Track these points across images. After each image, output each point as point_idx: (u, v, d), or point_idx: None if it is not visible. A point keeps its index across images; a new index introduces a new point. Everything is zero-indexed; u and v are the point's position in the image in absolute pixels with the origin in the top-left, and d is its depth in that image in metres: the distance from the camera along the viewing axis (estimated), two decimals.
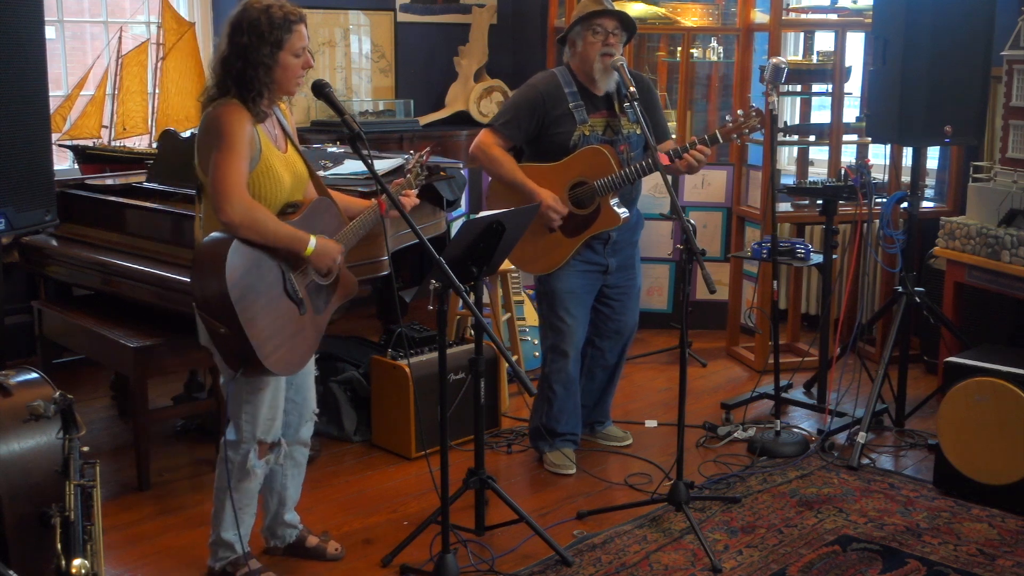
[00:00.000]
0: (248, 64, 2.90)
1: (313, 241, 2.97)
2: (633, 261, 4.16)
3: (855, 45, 5.55)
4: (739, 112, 3.81)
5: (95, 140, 5.46)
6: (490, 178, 4.08)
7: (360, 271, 3.88)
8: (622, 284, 4.12)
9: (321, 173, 4.34)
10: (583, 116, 3.90)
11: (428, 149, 3.45)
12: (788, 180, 5.27)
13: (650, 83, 4.12)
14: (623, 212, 3.93)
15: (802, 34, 5.92)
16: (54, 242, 4.51)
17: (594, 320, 4.14)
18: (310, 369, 3.31)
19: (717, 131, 3.81)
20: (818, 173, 5.71)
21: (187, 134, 4.91)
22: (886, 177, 5.04)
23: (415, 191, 3.31)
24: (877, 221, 4.46)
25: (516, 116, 3.92)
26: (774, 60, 4.13)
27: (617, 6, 3.97)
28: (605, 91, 3.94)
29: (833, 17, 5.35)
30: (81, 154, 5.40)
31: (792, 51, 6.13)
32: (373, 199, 3.24)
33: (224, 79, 2.93)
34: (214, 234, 2.91)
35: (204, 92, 3.02)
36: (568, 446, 4.15)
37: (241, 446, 3.09)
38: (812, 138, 5.44)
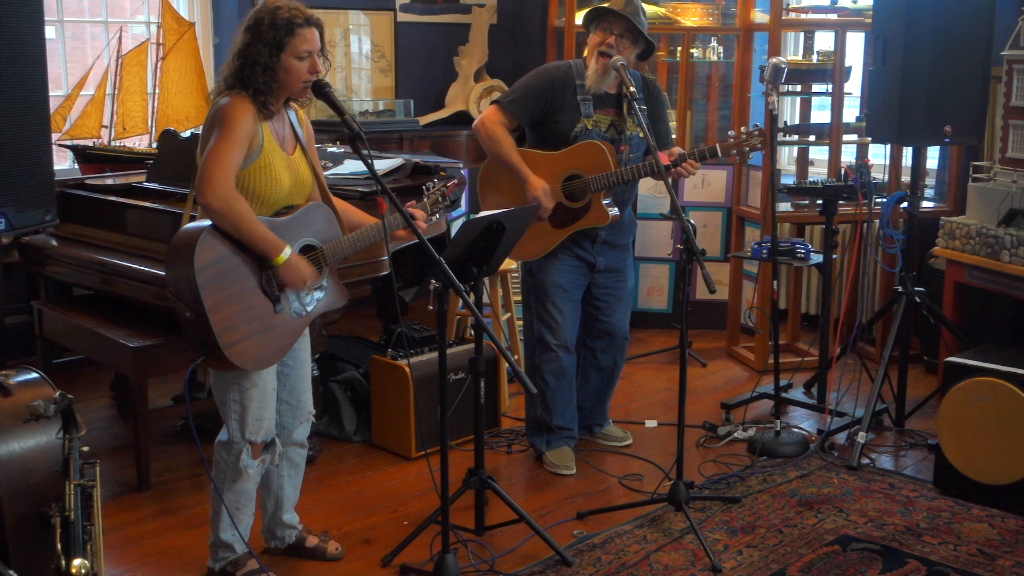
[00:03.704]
0: (245, 63, 2.91)
1: (287, 251, 2.93)
2: (623, 265, 4.14)
3: (855, 45, 5.55)
4: (742, 129, 3.82)
5: (95, 140, 5.46)
6: (487, 157, 4.07)
7: (360, 271, 3.89)
8: (610, 286, 4.11)
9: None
10: (588, 110, 3.90)
11: (456, 181, 3.36)
12: (788, 180, 5.28)
13: (660, 90, 4.11)
14: (613, 211, 3.93)
15: (802, 34, 5.92)
16: (54, 242, 4.51)
17: (584, 320, 4.14)
18: (305, 371, 3.29)
19: (717, 145, 3.81)
20: (818, 173, 5.71)
21: (187, 134, 4.91)
22: (886, 177, 5.04)
23: (433, 217, 3.25)
24: (877, 221, 4.46)
25: (524, 96, 3.92)
26: (774, 60, 4.13)
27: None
28: (616, 88, 3.93)
29: (833, 17, 5.35)
30: (81, 154, 5.40)
31: (792, 51, 6.13)
32: (380, 219, 3.17)
33: (231, 75, 2.96)
34: (195, 222, 2.93)
35: (216, 85, 3.06)
36: (566, 445, 4.15)
37: (233, 446, 3.08)
38: (812, 138, 5.44)
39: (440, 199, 3.28)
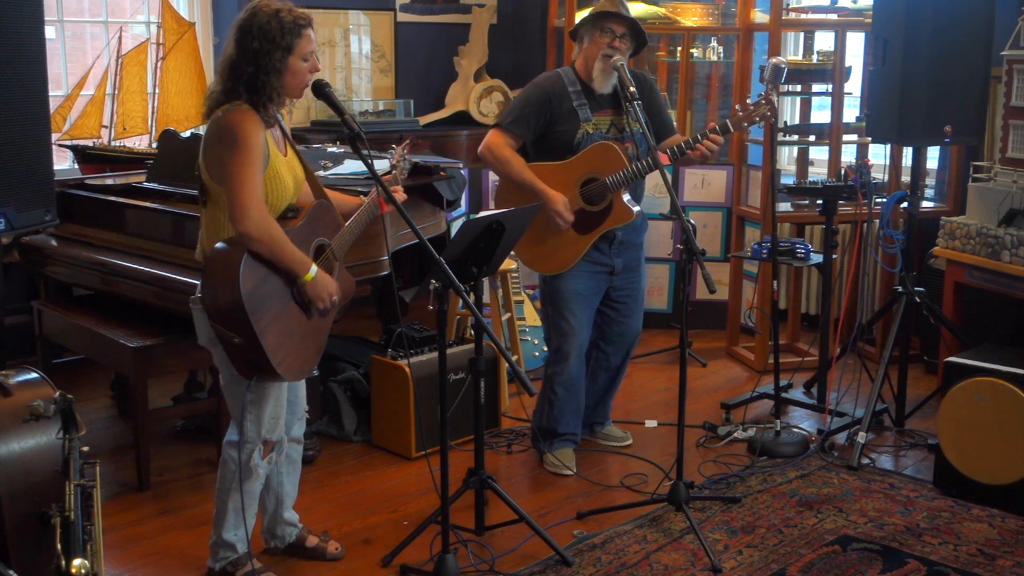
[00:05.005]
0: (260, 69, 2.88)
1: (314, 269, 2.97)
2: (638, 263, 4.15)
3: (855, 45, 5.55)
4: (748, 101, 3.80)
5: (95, 140, 5.46)
6: (498, 179, 4.07)
7: (360, 271, 3.89)
8: (627, 287, 4.11)
9: (321, 173, 4.34)
10: (587, 114, 3.90)
11: (408, 141, 3.44)
12: (788, 180, 5.27)
13: (653, 82, 4.12)
14: (636, 207, 3.92)
15: (802, 34, 5.91)
16: (54, 242, 4.51)
17: (599, 323, 4.13)
18: None
19: (728, 121, 3.80)
20: (818, 173, 5.71)
21: (187, 134, 4.91)
22: (886, 177, 5.04)
23: (401, 187, 3.31)
24: (877, 221, 4.46)
25: (524, 114, 3.91)
26: (774, 60, 4.12)
27: None
28: (611, 89, 3.93)
29: (833, 17, 5.35)
30: (81, 154, 5.40)
31: (792, 51, 6.13)
32: (363, 196, 3.23)
33: (234, 84, 2.90)
34: (222, 243, 2.91)
35: (210, 95, 2.99)
36: (567, 446, 4.15)
37: (245, 446, 3.08)
38: (812, 138, 5.44)
39: (405, 164, 3.37)
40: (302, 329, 3.01)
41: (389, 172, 3.33)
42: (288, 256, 2.92)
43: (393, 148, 3.40)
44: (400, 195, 3.23)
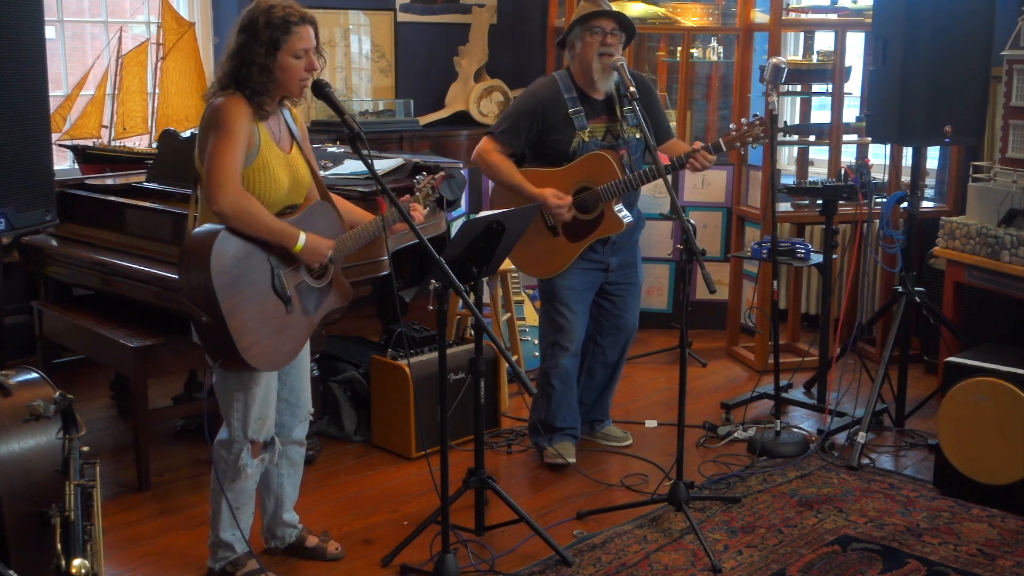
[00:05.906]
0: (242, 63, 2.91)
1: (303, 237, 2.96)
2: (635, 259, 4.16)
3: (855, 45, 5.55)
4: (743, 120, 3.81)
5: (95, 140, 5.46)
6: (492, 183, 4.08)
7: (360, 271, 3.89)
8: (623, 281, 4.13)
9: (320, 173, 4.33)
10: (582, 122, 3.90)
11: (443, 174, 3.40)
12: (788, 180, 5.27)
13: (650, 84, 4.11)
14: (627, 218, 3.93)
15: (802, 34, 5.92)
16: (54, 242, 4.51)
17: (595, 316, 4.14)
18: (305, 370, 3.30)
19: (720, 140, 3.80)
20: (818, 173, 5.71)
21: (187, 134, 4.91)
22: (886, 177, 5.04)
23: (425, 208, 3.29)
24: (877, 221, 4.46)
25: (516, 123, 3.92)
26: (774, 60, 4.13)
27: (617, 6, 3.97)
28: (605, 94, 3.93)
29: (833, 17, 5.35)
30: (81, 154, 5.40)
31: (792, 51, 6.13)
32: (377, 216, 3.21)
33: (226, 75, 2.96)
34: (205, 225, 2.93)
35: (210, 87, 3.05)
36: (567, 440, 4.15)
37: (234, 445, 3.09)
38: (812, 138, 5.44)
39: (431, 191, 3.32)
40: (278, 321, 2.98)
41: (412, 192, 3.29)
42: (271, 229, 2.91)
43: (424, 174, 3.33)
44: (419, 216, 3.20)
